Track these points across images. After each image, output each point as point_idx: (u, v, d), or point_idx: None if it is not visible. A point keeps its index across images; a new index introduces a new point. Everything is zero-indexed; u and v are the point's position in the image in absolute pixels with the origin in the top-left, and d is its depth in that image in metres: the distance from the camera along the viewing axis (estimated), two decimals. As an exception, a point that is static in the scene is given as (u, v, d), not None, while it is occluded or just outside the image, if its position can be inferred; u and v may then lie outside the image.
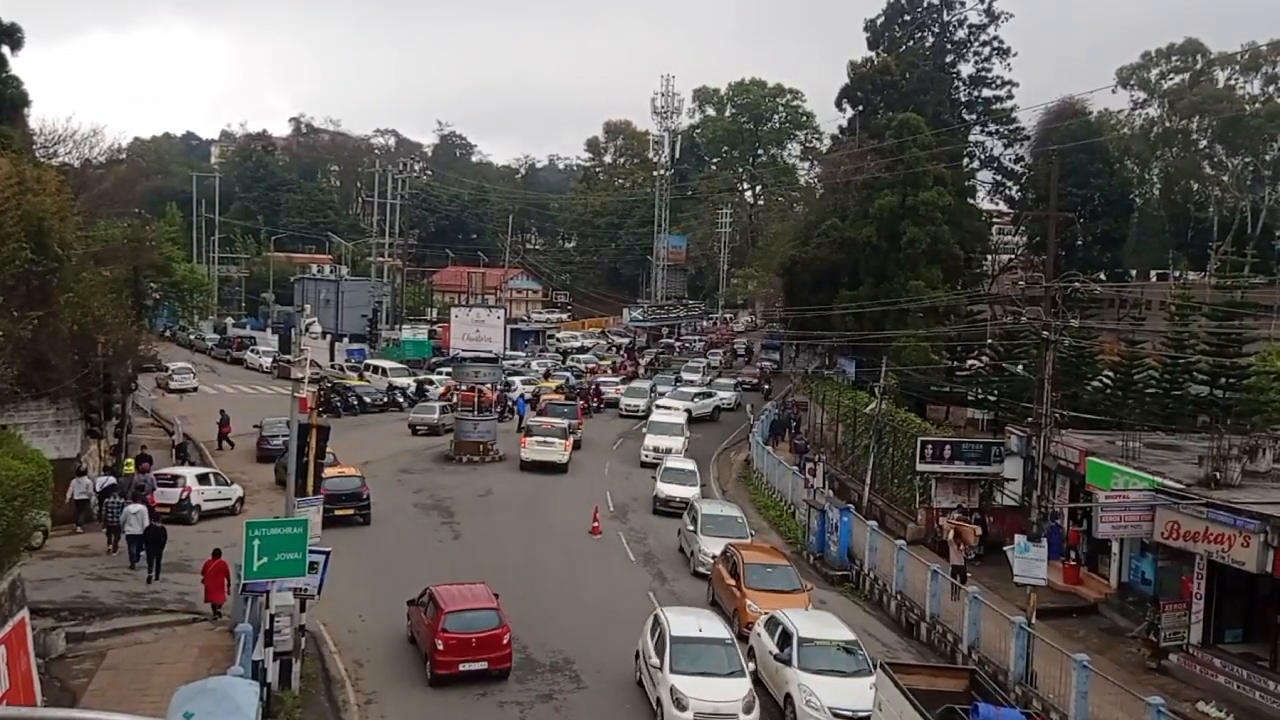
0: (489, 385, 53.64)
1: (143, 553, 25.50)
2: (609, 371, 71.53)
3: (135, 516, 25.91)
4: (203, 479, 32.36)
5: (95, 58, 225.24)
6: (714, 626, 20.47)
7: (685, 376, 67.02)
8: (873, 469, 37.97)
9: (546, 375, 65.24)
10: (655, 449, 42.73)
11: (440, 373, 62.30)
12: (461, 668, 20.07)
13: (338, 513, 28.45)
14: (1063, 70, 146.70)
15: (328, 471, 26.20)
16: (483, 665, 20.22)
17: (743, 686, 18.58)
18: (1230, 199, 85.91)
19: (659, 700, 18.60)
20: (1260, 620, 22.11)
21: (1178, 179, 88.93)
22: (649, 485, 37.57)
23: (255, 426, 42.06)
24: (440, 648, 19.99)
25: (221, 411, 43.36)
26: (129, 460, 34.16)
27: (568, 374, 66.95)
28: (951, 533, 27.84)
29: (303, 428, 20.75)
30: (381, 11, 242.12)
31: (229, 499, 32.61)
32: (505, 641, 20.42)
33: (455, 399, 51.17)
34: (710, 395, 59.12)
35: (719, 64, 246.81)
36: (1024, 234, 74.73)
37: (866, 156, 54.96)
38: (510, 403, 53.22)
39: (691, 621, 20.28)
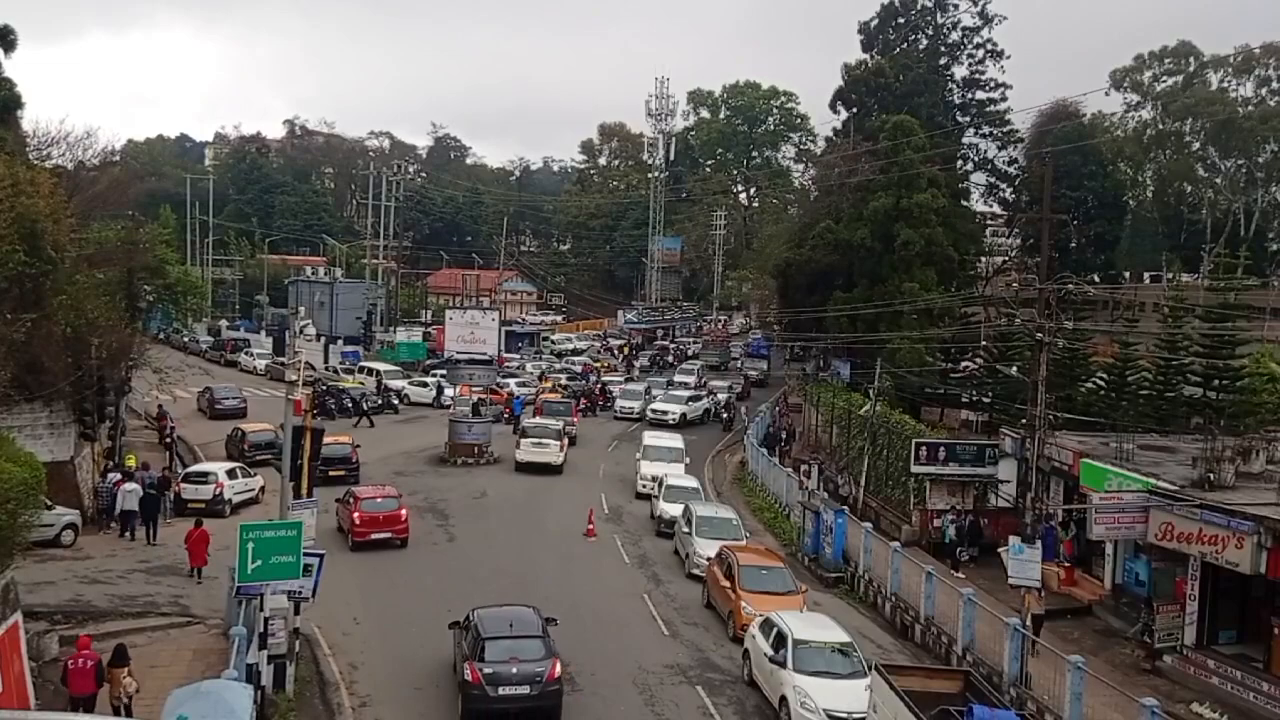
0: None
1: (139, 525, 29.22)
2: (613, 370, 71.94)
3: (131, 494, 29.34)
4: (230, 474, 34.07)
5: (92, 59, 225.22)
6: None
7: (678, 379, 66.91)
8: (867, 471, 38.00)
9: (542, 377, 65.11)
10: (653, 478, 37.30)
11: (434, 375, 62.23)
12: (372, 536, 29.09)
13: (331, 474, 34.45)
14: (1056, 73, 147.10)
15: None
16: (388, 535, 29.37)
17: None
18: (1223, 201, 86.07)
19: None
20: (1254, 621, 22.17)
21: (1171, 181, 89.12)
22: (643, 489, 37.49)
23: (200, 392, 50.27)
24: (357, 522, 29.15)
25: (160, 407, 44.61)
26: (130, 454, 36.44)
27: (579, 372, 67.58)
28: None
29: (297, 430, 20.76)
30: (375, 14, 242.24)
31: (253, 489, 34.39)
32: (403, 519, 29.81)
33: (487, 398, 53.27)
34: (700, 398, 58.79)
35: (713, 67, 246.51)
36: (1018, 236, 74.67)
37: (861, 159, 55.06)
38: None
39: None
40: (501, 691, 18.34)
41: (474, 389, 52.37)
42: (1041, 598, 23.33)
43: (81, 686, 16.99)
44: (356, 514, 29.25)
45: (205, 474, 33.69)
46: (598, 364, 76.50)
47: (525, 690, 18.44)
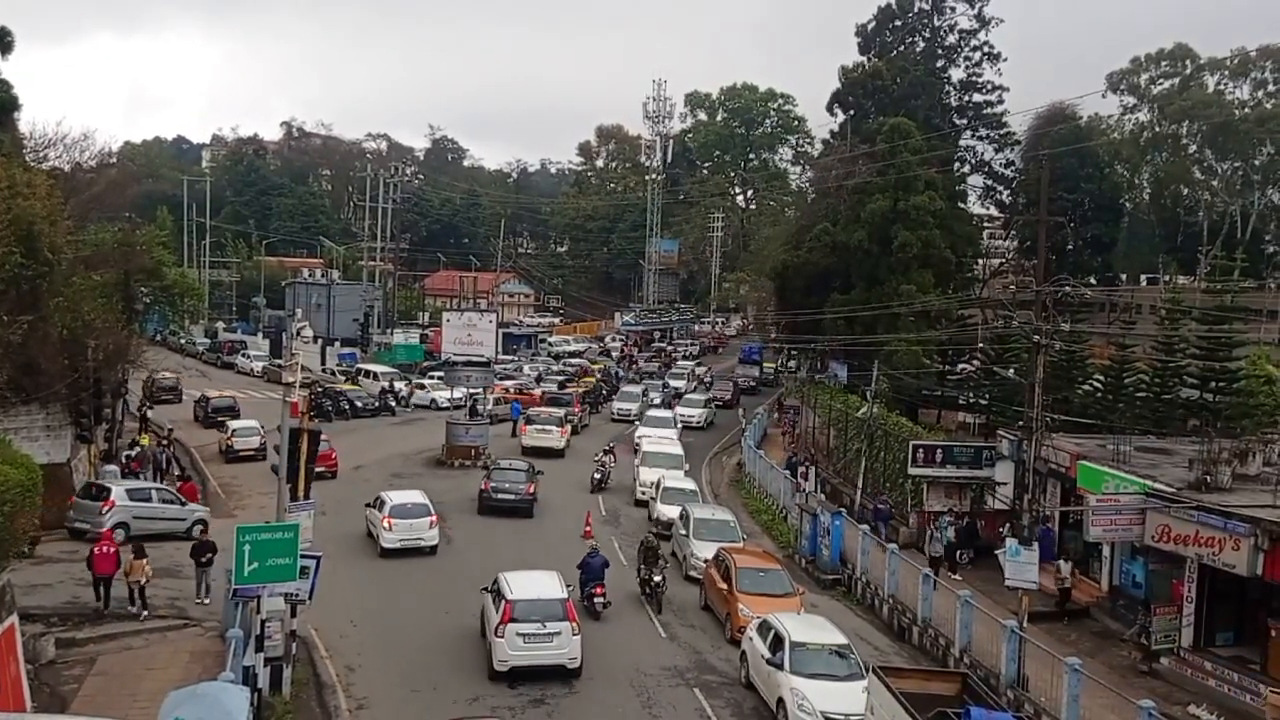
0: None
1: None
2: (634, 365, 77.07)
3: (109, 474, 31.89)
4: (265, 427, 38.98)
5: (91, 61, 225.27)
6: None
7: (671, 383, 66.82)
8: (864, 473, 37.99)
9: (539, 380, 65.14)
10: (652, 484, 36.37)
11: (432, 377, 62.26)
12: None
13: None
14: (1053, 75, 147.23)
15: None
16: (321, 469, 32.70)
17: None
18: (1220, 203, 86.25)
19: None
20: (1251, 623, 22.18)
21: (1168, 183, 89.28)
22: (643, 497, 37.35)
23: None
24: None
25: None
26: (144, 435, 40.07)
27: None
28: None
29: (294, 432, 20.71)
30: (373, 16, 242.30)
31: None
32: (333, 458, 37.66)
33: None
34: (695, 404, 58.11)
35: (711, 70, 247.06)
36: (1015, 238, 74.72)
37: (858, 161, 55.07)
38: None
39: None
40: (499, 496, 34.22)
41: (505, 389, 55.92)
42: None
43: (103, 568, 22.13)
44: None
45: (251, 428, 41.15)
46: (595, 366, 76.66)
47: (512, 497, 34.21)
